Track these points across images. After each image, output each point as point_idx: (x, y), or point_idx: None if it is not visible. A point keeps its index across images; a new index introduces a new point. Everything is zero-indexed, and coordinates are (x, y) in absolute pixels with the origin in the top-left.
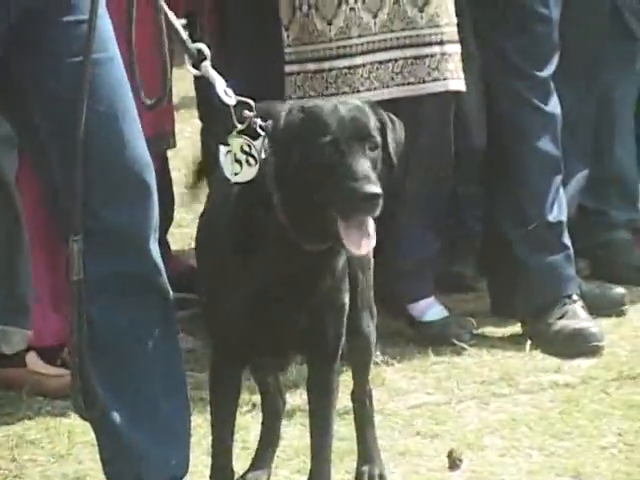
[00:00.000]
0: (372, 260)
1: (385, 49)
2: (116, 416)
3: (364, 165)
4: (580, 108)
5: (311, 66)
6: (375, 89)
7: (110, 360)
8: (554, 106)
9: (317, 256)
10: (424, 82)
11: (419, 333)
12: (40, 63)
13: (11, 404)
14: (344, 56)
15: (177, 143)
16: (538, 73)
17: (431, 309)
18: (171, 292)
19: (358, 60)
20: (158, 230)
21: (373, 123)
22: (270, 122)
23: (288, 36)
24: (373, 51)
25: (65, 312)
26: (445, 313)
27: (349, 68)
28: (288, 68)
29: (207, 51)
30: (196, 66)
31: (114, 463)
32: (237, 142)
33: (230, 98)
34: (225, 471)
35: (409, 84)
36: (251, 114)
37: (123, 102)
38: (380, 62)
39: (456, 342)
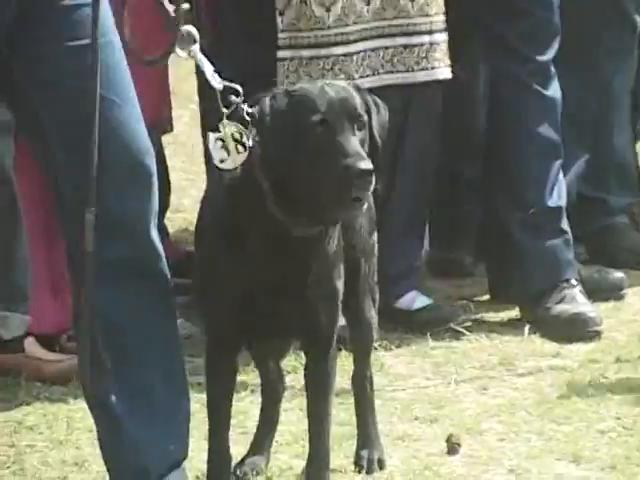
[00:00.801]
0: (376, 246)
1: (377, 37)
2: (114, 401)
3: (355, 143)
4: (580, 95)
5: (305, 52)
6: (367, 76)
7: (109, 345)
8: (554, 91)
9: (307, 242)
10: (413, 70)
11: (414, 321)
12: (41, 48)
13: (9, 390)
14: (341, 43)
15: (175, 129)
16: (539, 57)
17: (418, 298)
18: (170, 278)
19: (353, 47)
20: (157, 215)
21: (360, 104)
22: (255, 109)
23: (282, 21)
24: (366, 38)
25: (63, 299)
26: (430, 301)
27: (345, 55)
28: (281, 53)
29: (197, 34)
30: (185, 49)
31: (113, 449)
32: (229, 129)
33: (218, 83)
34: (222, 456)
35: (398, 72)
36: (238, 100)
37: (123, 87)
38: (372, 49)
39: (452, 325)
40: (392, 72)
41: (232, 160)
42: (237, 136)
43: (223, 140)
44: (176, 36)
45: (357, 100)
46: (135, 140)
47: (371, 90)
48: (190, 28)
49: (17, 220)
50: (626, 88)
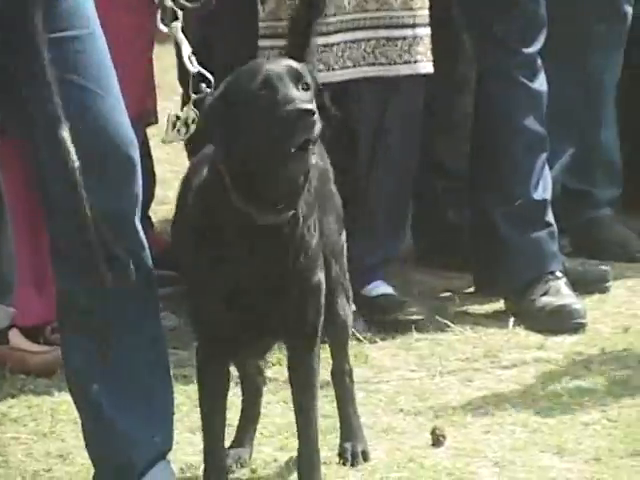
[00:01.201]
0: (345, 245)
1: (358, 29)
2: (98, 393)
3: (296, 92)
4: (568, 88)
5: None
6: (347, 67)
7: (91, 338)
8: (541, 84)
9: (279, 233)
10: (395, 64)
11: (372, 307)
12: (21, 40)
13: None
14: (320, 34)
15: (159, 121)
16: (525, 50)
17: (380, 287)
18: (154, 270)
19: (333, 38)
20: (140, 207)
21: (302, 68)
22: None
23: (263, 9)
24: (346, 30)
25: (47, 291)
26: (389, 291)
27: (325, 46)
28: (262, 42)
29: (180, 13)
30: (167, 25)
31: (97, 441)
32: (189, 114)
33: (193, 66)
34: (219, 460)
35: (380, 64)
36: (208, 90)
37: (106, 79)
38: (353, 41)
39: (399, 317)
40: (374, 64)
41: (171, 137)
42: (190, 122)
43: (178, 118)
44: (161, 10)
45: (301, 67)
46: (119, 132)
47: (351, 82)
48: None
49: (2, 213)
50: (615, 81)
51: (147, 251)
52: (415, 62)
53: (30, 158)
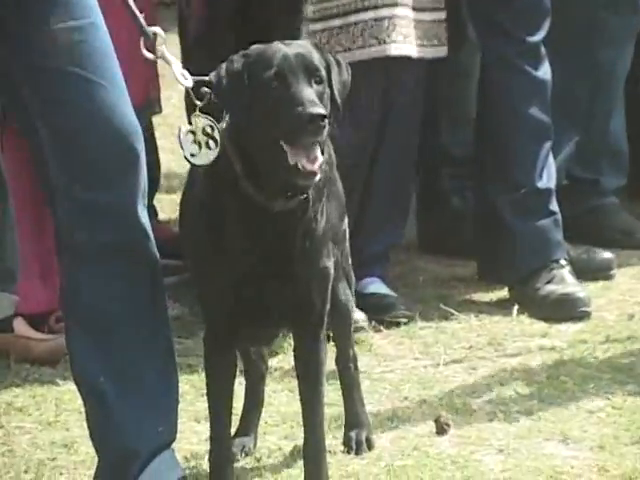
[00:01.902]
0: (347, 231)
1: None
2: (103, 384)
3: (309, 92)
4: (573, 77)
5: (336, 22)
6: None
7: (97, 327)
8: (545, 72)
9: (288, 218)
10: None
11: (364, 304)
12: (23, 32)
13: None
14: (371, 8)
15: (164, 110)
16: (529, 38)
17: (374, 284)
18: (159, 260)
19: (384, 12)
20: (146, 196)
21: (318, 60)
22: (213, 74)
23: None
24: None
25: (51, 278)
26: (383, 289)
27: (376, 20)
28: (313, 26)
29: (163, 34)
30: (151, 50)
31: (101, 431)
32: (201, 122)
33: (187, 80)
34: (224, 448)
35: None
36: (208, 90)
37: (110, 69)
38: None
39: (387, 317)
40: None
41: (204, 156)
42: (208, 130)
43: (194, 133)
44: (144, 37)
45: (315, 55)
46: (123, 123)
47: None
48: (157, 29)
49: (5, 201)
50: (626, 72)
51: (152, 241)
52: (422, 46)
53: (31, 144)
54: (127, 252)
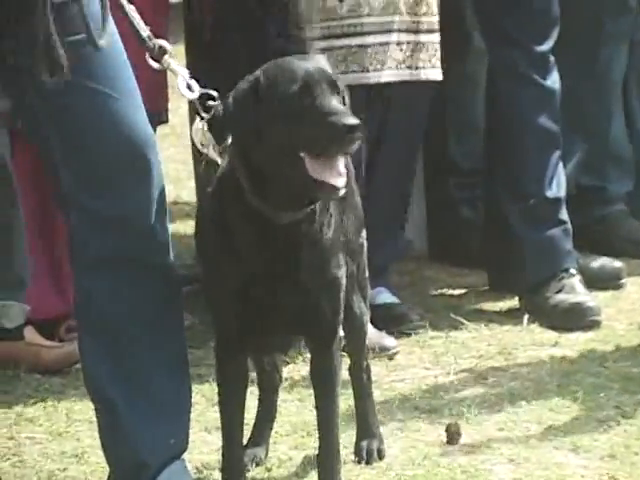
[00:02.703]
0: (365, 244)
1: (390, 31)
2: (114, 393)
3: (337, 103)
4: (578, 84)
5: (322, 44)
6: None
7: (110, 338)
8: (553, 81)
9: (294, 230)
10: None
11: (373, 316)
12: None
13: (9, 382)
14: (355, 34)
15: (172, 120)
16: (537, 48)
17: (382, 295)
18: (176, 269)
19: (369, 39)
20: (165, 205)
21: (335, 75)
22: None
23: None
24: (380, 32)
25: (63, 286)
26: (393, 299)
27: (360, 46)
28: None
29: (168, 46)
30: (157, 60)
31: (112, 442)
32: (205, 135)
33: (193, 92)
34: (237, 459)
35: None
36: (215, 103)
37: (122, 79)
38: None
39: (402, 329)
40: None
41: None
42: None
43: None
44: (147, 49)
45: (333, 72)
46: (135, 132)
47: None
48: (162, 42)
49: (15, 211)
50: (622, 74)
51: (168, 249)
52: (417, 69)
53: (41, 151)
54: (140, 261)
